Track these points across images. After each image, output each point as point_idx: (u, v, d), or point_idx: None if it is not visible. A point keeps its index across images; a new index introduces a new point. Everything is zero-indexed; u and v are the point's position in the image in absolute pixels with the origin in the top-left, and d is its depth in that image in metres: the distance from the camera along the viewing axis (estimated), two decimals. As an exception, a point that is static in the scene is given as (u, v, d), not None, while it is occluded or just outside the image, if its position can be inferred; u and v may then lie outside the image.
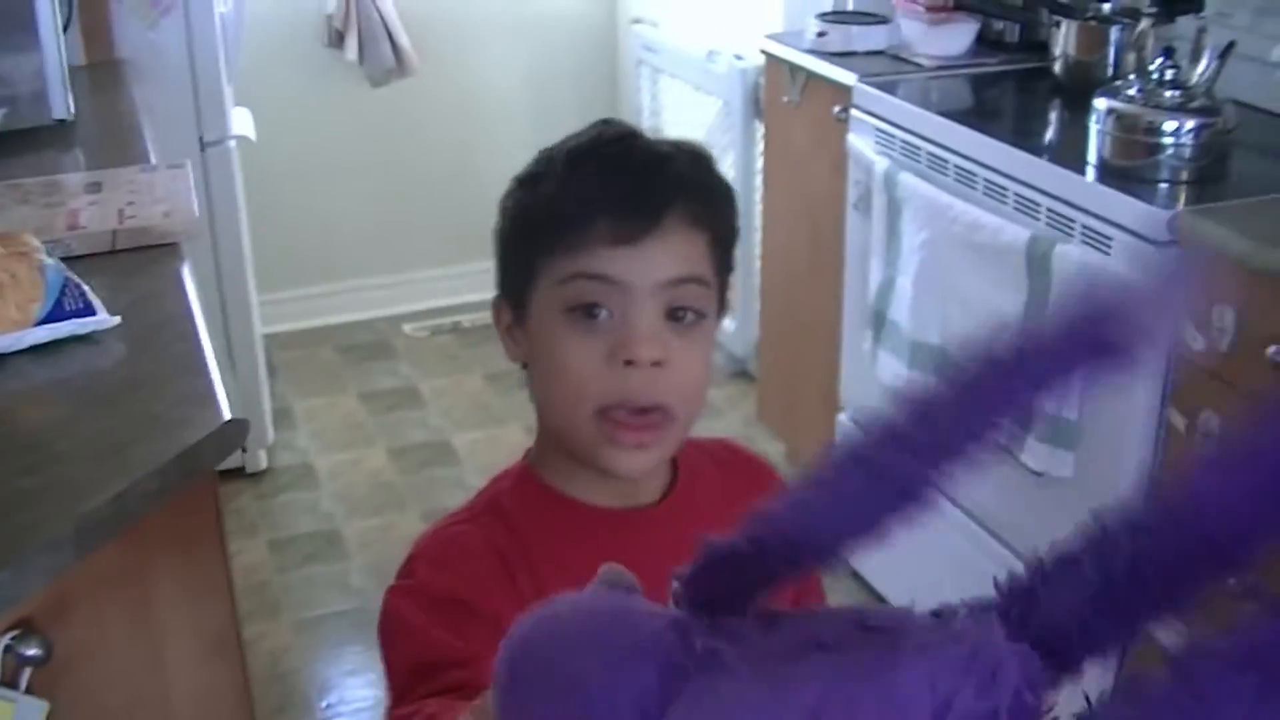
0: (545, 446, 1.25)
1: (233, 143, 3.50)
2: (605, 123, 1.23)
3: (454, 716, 0.94)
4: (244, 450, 3.72)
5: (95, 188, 2.24)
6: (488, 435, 4.01)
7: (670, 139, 1.23)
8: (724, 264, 1.22)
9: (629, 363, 1.13)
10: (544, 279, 1.16)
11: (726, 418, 3.95)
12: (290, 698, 2.97)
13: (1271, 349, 2.06)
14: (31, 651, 1.43)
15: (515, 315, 1.21)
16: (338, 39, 4.40)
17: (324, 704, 2.98)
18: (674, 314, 1.15)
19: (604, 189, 1.14)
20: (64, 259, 1.84)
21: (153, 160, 2.45)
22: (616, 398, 1.14)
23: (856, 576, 3.19)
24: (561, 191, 1.15)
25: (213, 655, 1.71)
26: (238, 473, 3.73)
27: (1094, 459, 2.39)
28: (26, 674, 1.43)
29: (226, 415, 1.55)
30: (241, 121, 3.57)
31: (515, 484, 1.26)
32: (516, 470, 1.28)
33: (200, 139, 3.40)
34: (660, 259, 1.14)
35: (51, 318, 1.71)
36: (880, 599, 3.14)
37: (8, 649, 1.42)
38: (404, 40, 4.42)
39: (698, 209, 1.17)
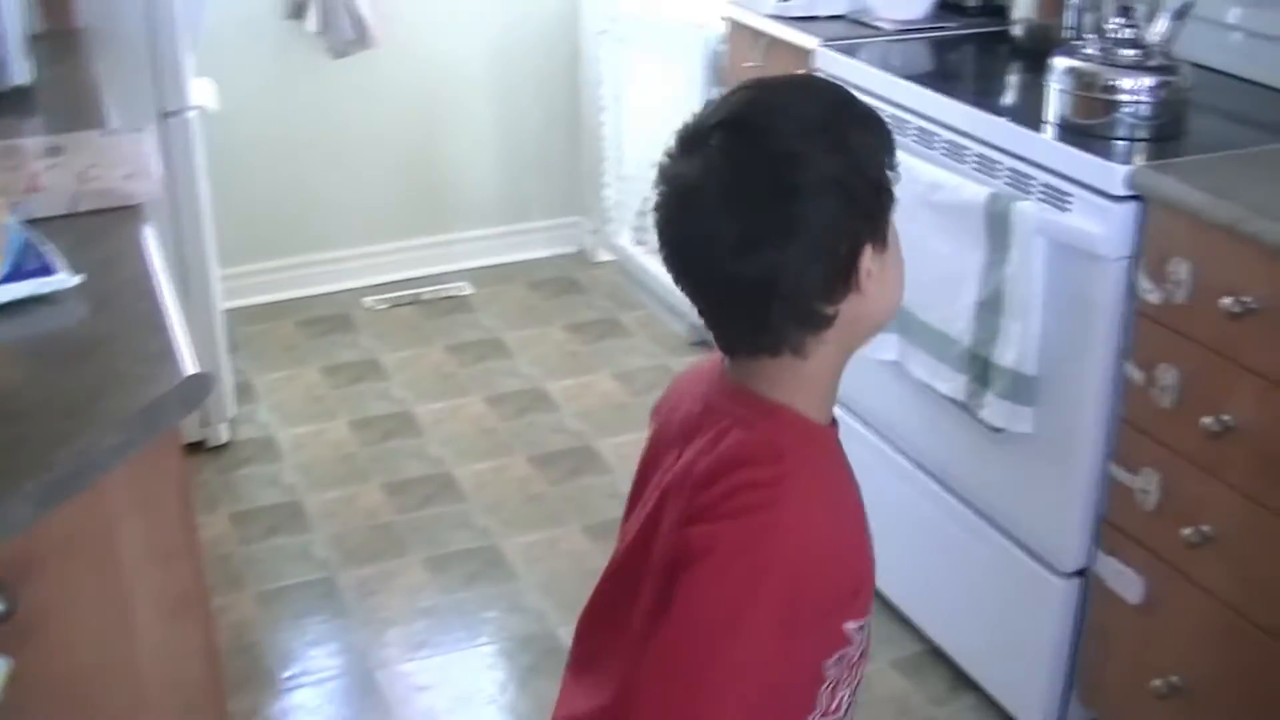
0: (813, 385, 1.38)
1: (193, 113, 3.47)
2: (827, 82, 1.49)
3: None
4: (204, 425, 3.70)
5: (56, 151, 2.22)
6: (450, 406, 4.00)
7: None
8: None
9: None
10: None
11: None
12: (254, 669, 2.96)
13: (1226, 300, 2.08)
14: (-6, 607, 1.42)
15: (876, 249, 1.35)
16: (299, 10, 4.38)
17: (286, 675, 2.97)
18: None
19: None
20: (24, 222, 1.83)
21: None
22: None
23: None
24: (887, 141, 1.38)
25: (180, 617, 1.70)
26: (199, 447, 3.71)
27: (1053, 414, 2.41)
28: (-10, 630, 1.43)
29: (189, 370, 1.55)
30: (203, 92, 3.54)
31: (800, 434, 1.37)
32: (786, 419, 1.37)
33: (159, 110, 3.38)
34: None
35: (10, 278, 1.71)
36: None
37: (-29, 603, 1.41)
38: (365, 11, 4.39)
39: None
